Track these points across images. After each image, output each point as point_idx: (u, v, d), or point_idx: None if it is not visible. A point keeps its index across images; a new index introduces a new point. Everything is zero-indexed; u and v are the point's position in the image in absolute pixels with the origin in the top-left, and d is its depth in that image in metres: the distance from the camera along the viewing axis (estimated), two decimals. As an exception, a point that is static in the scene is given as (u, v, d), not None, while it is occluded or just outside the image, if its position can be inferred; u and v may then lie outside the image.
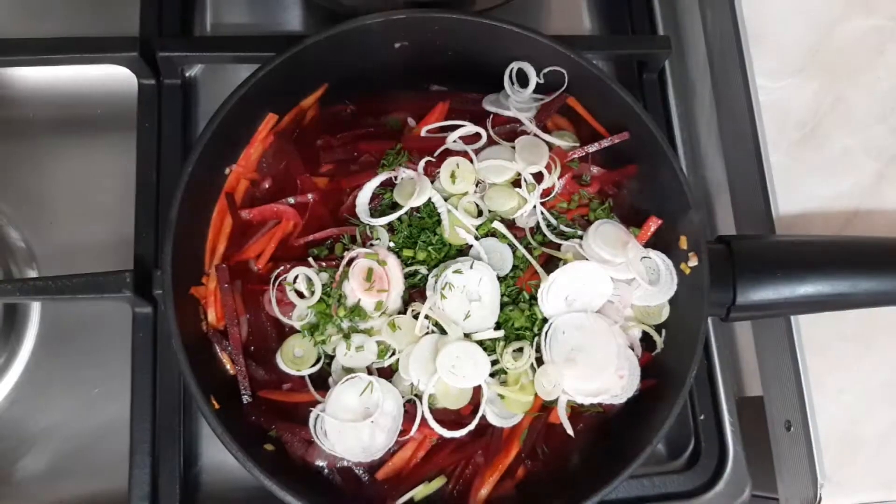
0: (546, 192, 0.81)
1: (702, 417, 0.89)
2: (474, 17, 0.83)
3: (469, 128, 0.82)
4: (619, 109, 0.83)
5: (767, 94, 0.98)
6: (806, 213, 0.95)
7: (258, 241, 0.80)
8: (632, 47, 1.00)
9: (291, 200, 0.81)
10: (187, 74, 0.93)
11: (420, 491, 0.75)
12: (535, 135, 0.83)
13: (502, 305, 0.77)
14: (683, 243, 0.81)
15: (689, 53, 1.04)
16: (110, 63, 0.89)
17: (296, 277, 0.76)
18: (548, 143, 0.83)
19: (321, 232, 0.79)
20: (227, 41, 0.95)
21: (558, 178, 0.82)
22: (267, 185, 0.83)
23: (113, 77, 0.91)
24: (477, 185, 0.81)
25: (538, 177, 0.81)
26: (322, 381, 0.77)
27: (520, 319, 0.76)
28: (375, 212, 0.80)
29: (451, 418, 0.75)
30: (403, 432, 0.74)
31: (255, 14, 0.99)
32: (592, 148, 0.84)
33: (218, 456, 0.84)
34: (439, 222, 0.78)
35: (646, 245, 0.82)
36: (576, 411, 0.80)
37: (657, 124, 0.83)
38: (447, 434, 0.74)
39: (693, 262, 0.79)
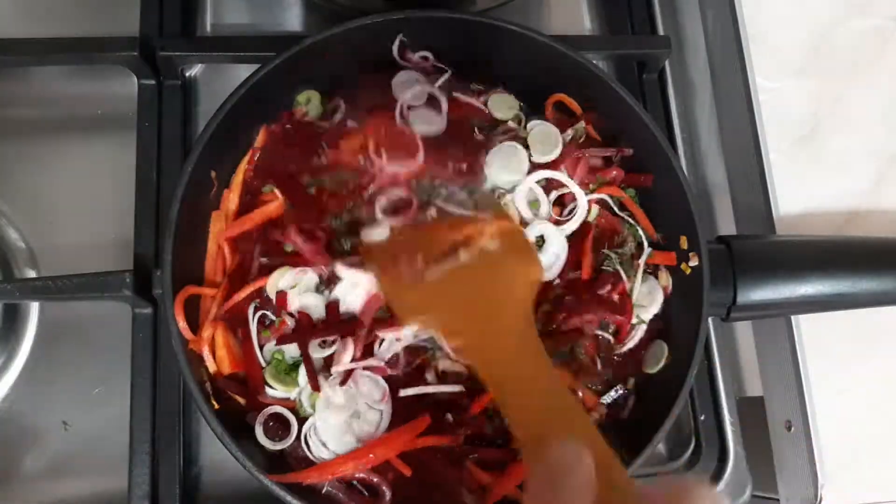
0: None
1: (702, 417, 0.89)
2: (474, 17, 0.83)
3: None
4: (619, 109, 0.83)
5: (767, 93, 0.98)
6: (806, 212, 0.95)
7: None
8: (632, 47, 1.00)
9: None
10: (187, 74, 0.93)
11: None
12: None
13: None
14: (683, 243, 0.81)
15: (689, 53, 1.04)
16: (110, 63, 0.89)
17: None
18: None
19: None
20: (227, 41, 0.95)
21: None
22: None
23: (113, 77, 0.91)
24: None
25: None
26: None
27: None
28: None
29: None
30: None
31: (255, 14, 0.98)
32: (600, 152, 0.85)
33: (218, 456, 0.83)
34: None
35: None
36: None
37: (657, 124, 0.83)
38: None
39: (693, 262, 0.79)
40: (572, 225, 0.81)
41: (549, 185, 0.83)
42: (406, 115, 0.84)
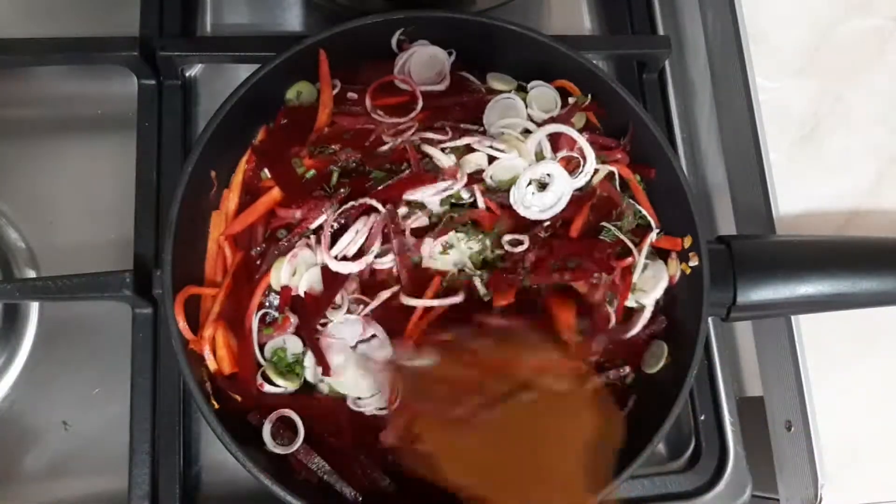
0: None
1: (702, 417, 0.89)
2: (474, 17, 0.84)
3: None
4: (619, 109, 0.84)
5: (767, 93, 0.98)
6: (806, 212, 0.95)
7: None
8: (632, 47, 1.00)
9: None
10: (187, 74, 0.93)
11: None
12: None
13: None
14: (684, 243, 0.81)
15: (689, 53, 1.04)
16: (110, 63, 0.89)
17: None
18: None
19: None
20: (227, 41, 0.95)
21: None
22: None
23: (113, 77, 0.91)
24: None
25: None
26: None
27: None
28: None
29: None
30: None
31: (255, 14, 0.98)
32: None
33: (218, 456, 0.83)
34: None
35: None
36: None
37: (657, 124, 0.83)
38: None
39: (693, 262, 0.79)
40: (581, 179, 0.80)
41: (555, 147, 0.81)
42: (406, 69, 0.84)
